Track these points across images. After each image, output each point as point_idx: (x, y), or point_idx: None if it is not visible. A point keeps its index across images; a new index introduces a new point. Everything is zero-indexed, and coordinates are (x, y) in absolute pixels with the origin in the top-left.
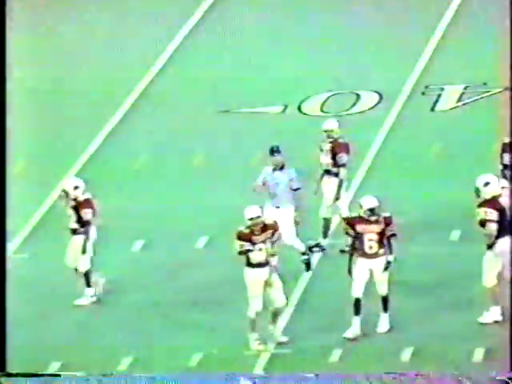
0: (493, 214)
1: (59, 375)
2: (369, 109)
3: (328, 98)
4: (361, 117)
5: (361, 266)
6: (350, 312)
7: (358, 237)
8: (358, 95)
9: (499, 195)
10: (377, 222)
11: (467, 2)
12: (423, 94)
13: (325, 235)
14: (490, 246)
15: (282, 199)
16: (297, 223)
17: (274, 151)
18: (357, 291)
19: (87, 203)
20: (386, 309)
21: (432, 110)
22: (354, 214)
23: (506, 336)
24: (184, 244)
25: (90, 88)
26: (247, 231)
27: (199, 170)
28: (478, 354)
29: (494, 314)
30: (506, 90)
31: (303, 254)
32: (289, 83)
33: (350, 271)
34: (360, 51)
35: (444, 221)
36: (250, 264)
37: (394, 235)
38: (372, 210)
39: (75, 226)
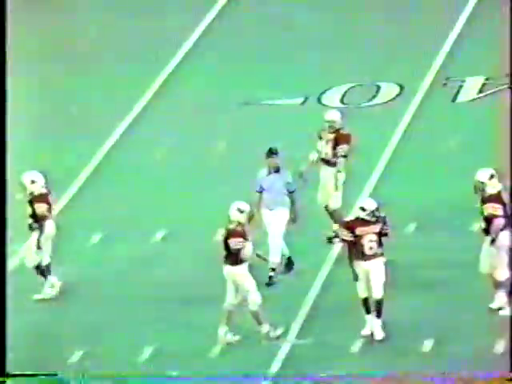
0: (500, 210)
1: (56, 375)
2: (389, 100)
3: (348, 89)
4: (381, 108)
5: (358, 268)
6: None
7: (355, 240)
8: (378, 87)
9: (501, 189)
10: (375, 222)
11: None
12: (444, 85)
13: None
14: (493, 241)
15: (277, 202)
16: (294, 221)
17: (272, 153)
18: (362, 292)
19: (42, 198)
20: (379, 315)
21: (453, 101)
22: (352, 218)
23: None
24: (204, 235)
25: (107, 81)
26: (240, 228)
27: (219, 162)
28: (499, 346)
29: (501, 298)
30: None
31: (278, 267)
32: (309, 75)
33: (356, 277)
34: (381, 42)
35: (464, 213)
36: (238, 261)
37: (386, 234)
38: (373, 212)
39: (30, 220)
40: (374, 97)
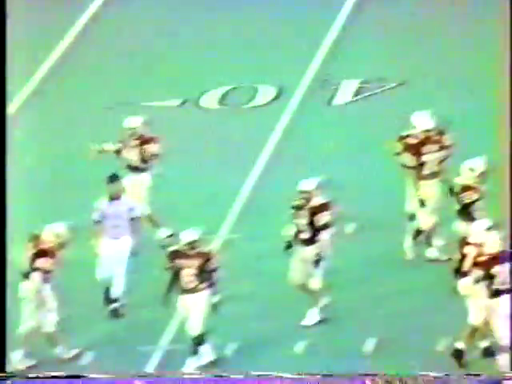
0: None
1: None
2: (266, 103)
3: (226, 91)
4: (258, 111)
5: (182, 302)
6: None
7: (177, 272)
8: (255, 89)
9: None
10: (197, 256)
11: None
12: (321, 88)
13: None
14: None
15: (121, 230)
16: (136, 254)
17: (113, 179)
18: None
19: None
20: (196, 352)
21: (329, 104)
22: (174, 248)
23: None
24: None
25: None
26: (52, 249)
27: (95, 163)
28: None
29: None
30: (400, 86)
31: (116, 300)
32: (187, 77)
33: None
34: (259, 45)
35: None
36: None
37: (214, 270)
38: (192, 244)
39: None
40: (251, 99)
